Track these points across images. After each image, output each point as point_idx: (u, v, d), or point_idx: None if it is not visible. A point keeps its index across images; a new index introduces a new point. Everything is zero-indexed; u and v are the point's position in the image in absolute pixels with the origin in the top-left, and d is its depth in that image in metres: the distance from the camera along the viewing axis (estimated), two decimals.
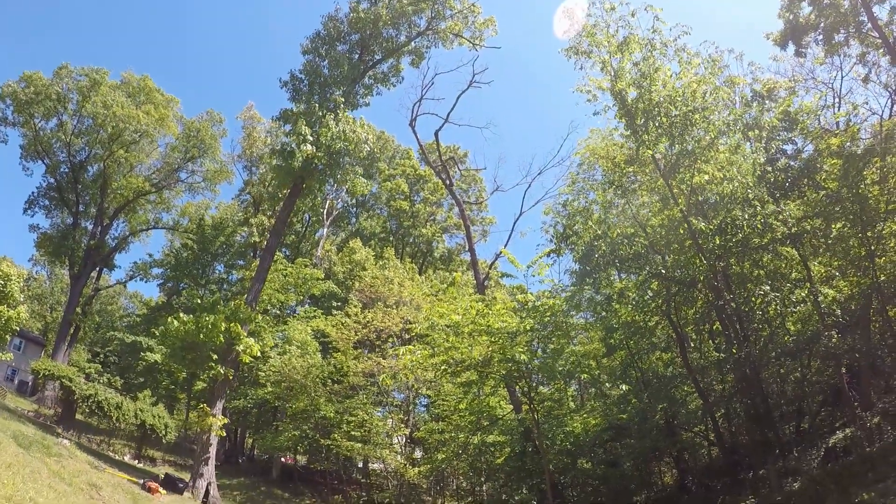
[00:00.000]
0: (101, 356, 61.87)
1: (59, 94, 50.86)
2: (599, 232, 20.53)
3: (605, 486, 24.43)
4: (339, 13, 35.41)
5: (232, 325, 26.63)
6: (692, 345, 23.16)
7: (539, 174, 68.23)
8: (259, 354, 30.23)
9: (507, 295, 32.97)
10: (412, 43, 36.25)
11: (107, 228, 56.99)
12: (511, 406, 28.51)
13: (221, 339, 26.11)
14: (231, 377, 27.61)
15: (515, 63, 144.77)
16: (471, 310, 21.77)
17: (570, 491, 25.76)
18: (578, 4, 21.47)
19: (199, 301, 33.64)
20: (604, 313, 22.52)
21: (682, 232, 19.70)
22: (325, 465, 39.06)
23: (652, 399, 21.46)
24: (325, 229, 61.00)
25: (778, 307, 18.27)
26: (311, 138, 29.92)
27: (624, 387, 25.10)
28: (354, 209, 67.98)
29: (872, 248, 16.91)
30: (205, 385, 38.87)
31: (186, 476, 26.83)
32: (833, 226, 17.47)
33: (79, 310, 52.62)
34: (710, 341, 22.62)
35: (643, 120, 19.87)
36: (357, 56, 35.32)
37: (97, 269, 57.68)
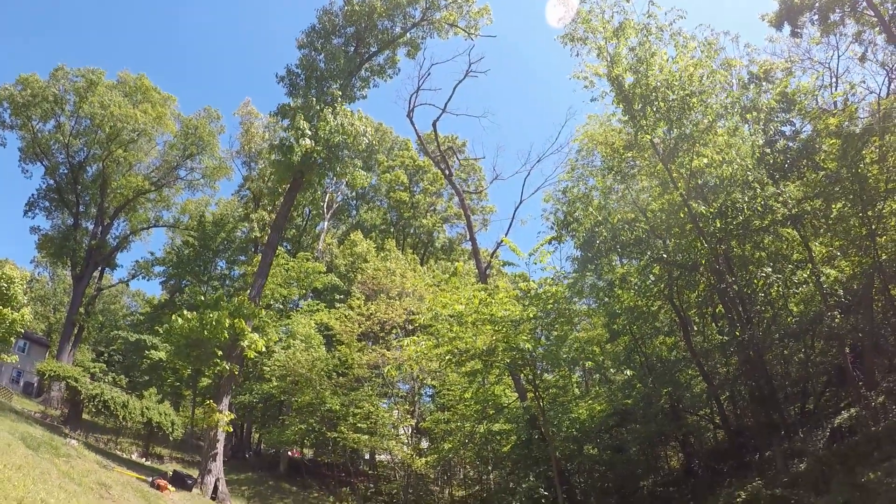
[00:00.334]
0: (106, 355, 62.20)
1: (56, 96, 50.71)
2: (600, 218, 20.57)
3: (611, 471, 24.56)
4: (334, 6, 35.21)
5: (236, 320, 26.76)
6: (695, 328, 23.20)
7: (538, 162, 68.78)
8: (264, 349, 30.32)
9: (510, 283, 32.96)
10: (407, 34, 36.02)
11: (108, 228, 56.99)
12: (516, 394, 28.58)
13: (226, 335, 26.23)
14: (236, 372, 27.70)
15: (512, 52, 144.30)
16: (474, 299, 21.71)
17: (576, 477, 25.88)
18: None
19: (202, 298, 33.65)
20: (606, 299, 22.50)
21: (682, 216, 19.73)
22: (332, 457, 39.24)
23: (656, 383, 21.46)
24: (326, 223, 61.03)
25: (780, 289, 18.31)
26: (309, 132, 29.84)
27: (628, 372, 25.15)
28: (354, 202, 67.96)
29: (873, 227, 16.90)
30: (210, 381, 39.10)
31: (194, 473, 26.96)
32: (833, 206, 17.46)
33: (82, 310, 52.64)
34: (714, 324, 22.66)
35: (641, 105, 19.87)
36: (353, 49, 35.18)
37: (99, 268, 57.68)
